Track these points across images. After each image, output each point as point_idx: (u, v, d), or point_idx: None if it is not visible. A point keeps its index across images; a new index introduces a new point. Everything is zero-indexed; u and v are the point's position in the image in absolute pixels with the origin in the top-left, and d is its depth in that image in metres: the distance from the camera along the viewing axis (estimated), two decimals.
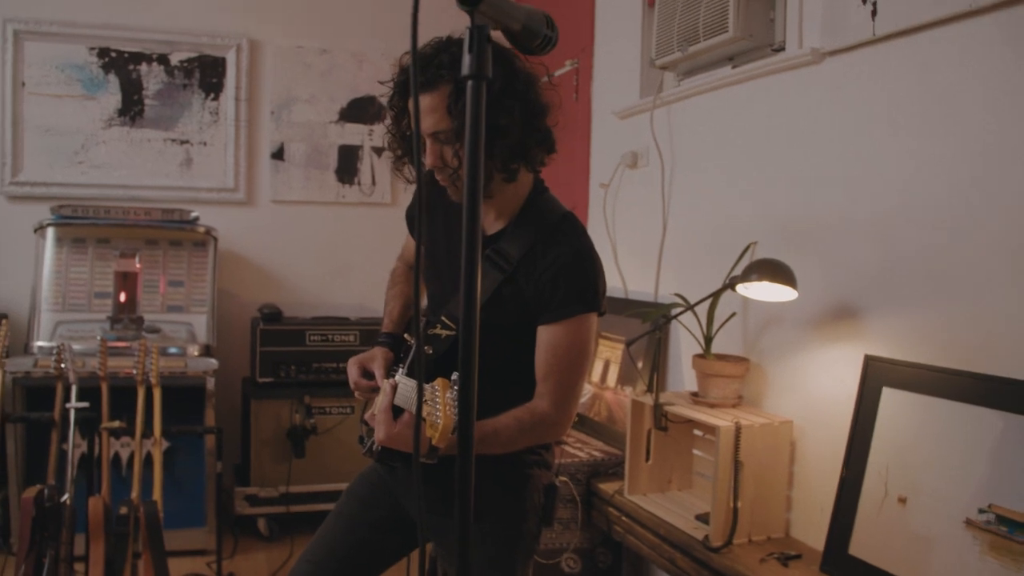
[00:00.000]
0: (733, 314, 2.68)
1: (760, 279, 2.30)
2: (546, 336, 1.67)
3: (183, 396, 3.38)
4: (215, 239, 3.75)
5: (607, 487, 2.81)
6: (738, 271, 2.61)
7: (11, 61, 3.85)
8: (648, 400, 2.66)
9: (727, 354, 2.67)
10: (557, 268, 1.65)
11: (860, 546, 2.09)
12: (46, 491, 2.89)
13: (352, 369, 1.84)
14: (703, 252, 2.93)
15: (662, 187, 3.11)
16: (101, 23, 3.96)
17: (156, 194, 4.01)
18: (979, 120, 1.94)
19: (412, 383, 1.60)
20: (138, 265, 3.67)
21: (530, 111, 1.63)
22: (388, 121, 1.76)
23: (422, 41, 1.60)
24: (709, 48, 2.74)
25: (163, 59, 4.03)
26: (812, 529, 2.37)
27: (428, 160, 1.64)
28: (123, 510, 2.93)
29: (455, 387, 1.35)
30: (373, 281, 4.35)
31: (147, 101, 4.02)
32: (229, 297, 4.00)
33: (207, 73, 4.08)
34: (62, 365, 3.06)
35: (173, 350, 3.54)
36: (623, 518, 2.68)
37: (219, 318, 3.78)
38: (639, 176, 3.30)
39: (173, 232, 3.75)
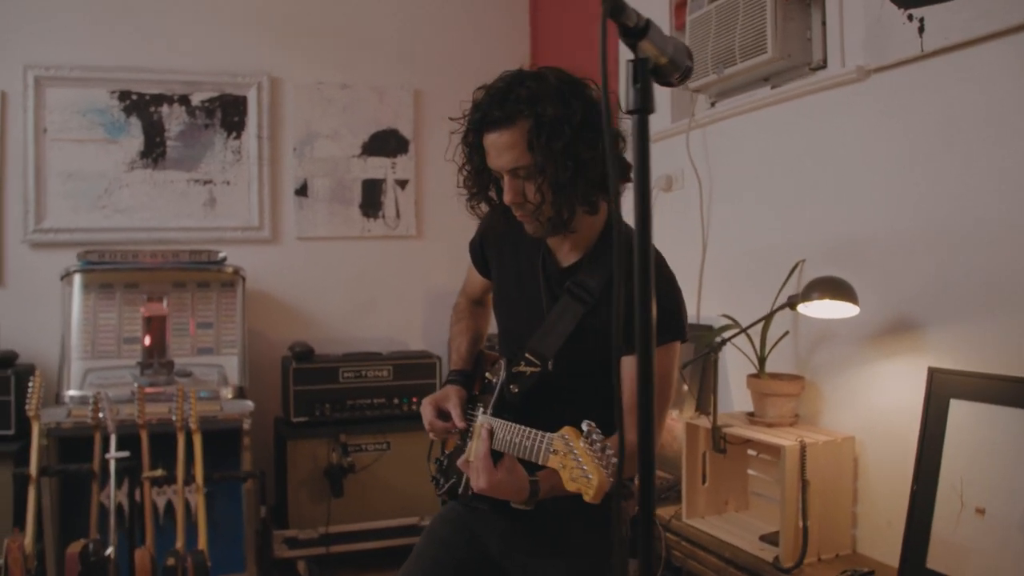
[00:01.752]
0: (786, 333, 2.67)
1: (822, 297, 2.30)
2: (631, 367, 1.63)
3: (216, 439, 3.33)
4: (243, 278, 3.73)
5: (662, 512, 2.78)
6: (787, 290, 2.61)
7: (32, 108, 3.84)
8: (702, 423, 2.64)
9: (781, 373, 2.66)
10: None
11: (937, 559, 2.07)
12: (91, 545, 2.85)
13: (427, 410, 1.82)
14: (745, 273, 2.93)
15: (701, 209, 3.11)
16: (121, 66, 3.95)
17: (181, 235, 3.98)
18: None
19: (507, 425, 1.57)
20: (166, 308, 3.64)
21: (610, 142, 1.62)
22: (461, 159, 1.72)
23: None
24: (746, 69, 2.75)
25: (184, 100, 4.02)
26: (880, 544, 2.36)
27: (507, 197, 1.61)
28: (170, 561, 2.89)
29: (591, 437, 1.33)
30: (401, 314, 4.36)
31: (169, 143, 4.00)
32: (257, 336, 3.96)
33: (228, 112, 4.07)
34: (100, 415, 3.02)
35: (204, 393, 3.50)
36: (683, 543, 2.64)
37: (248, 358, 3.74)
38: (674, 199, 3.30)
39: (201, 273, 3.71)
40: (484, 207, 1.78)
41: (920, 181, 2.26)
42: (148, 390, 3.32)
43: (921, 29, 2.20)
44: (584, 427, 1.35)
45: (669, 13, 3.33)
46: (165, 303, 3.64)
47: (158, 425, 3.13)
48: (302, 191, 4.20)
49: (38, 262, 3.87)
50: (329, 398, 3.77)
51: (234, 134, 4.09)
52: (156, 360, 3.57)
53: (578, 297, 1.67)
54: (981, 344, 2.10)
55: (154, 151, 3.99)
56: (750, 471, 2.76)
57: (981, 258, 2.10)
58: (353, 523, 3.74)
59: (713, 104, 3.13)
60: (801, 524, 2.29)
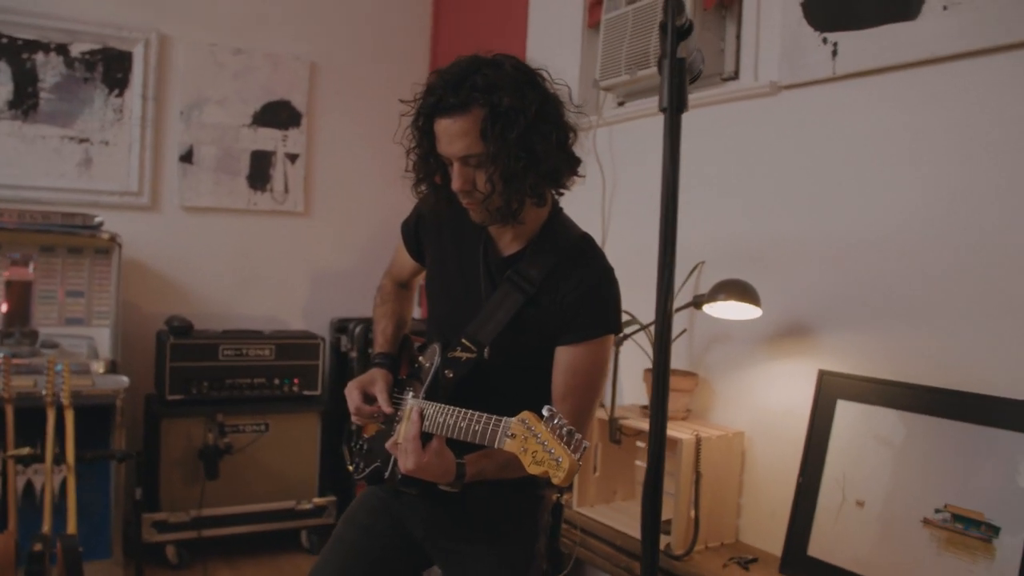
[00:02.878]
0: (683, 331, 2.79)
1: (727, 298, 2.42)
2: (566, 357, 1.66)
3: (83, 416, 3.10)
4: (119, 246, 3.48)
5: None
6: (686, 290, 2.73)
7: None
8: (599, 414, 2.72)
9: (676, 369, 2.77)
10: (582, 290, 1.65)
11: (819, 547, 2.24)
12: None
13: (353, 394, 1.78)
14: (644, 271, 3.02)
15: (602, 205, 3.19)
16: None
17: (51, 195, 3.68)
18: (930, 157, 2.15)
19: (446, 408, 1.55)
20: (32, 273, 3.38)
21: (563, 136, 1.63)
22: (409, 142, 1.69)
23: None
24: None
25: (62, 49, 3.71)
26: (763, 534, 2.51)
27: (456, 184, 1.60)
28: (37, 546, 2.67)
29: (554, 421, 1.34)
30: (283, 292, 4.23)
31: (43, 94, 3.69)
32: (130, 308, 3.73)
33: (111, 67, 3.79)
34: None
35: (74, 367, 3.26)
36: (574, 531, 2.72)
37: (121, 331, 3.52)
38: (574, 193, 3.35)
39: (73, 238, 3.45)
40: (428, 192, 1.76)
41: (819, 194, 2.42)
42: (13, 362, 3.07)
43: (835, 53, 2.35)
44: (545, 412, 1.36)
45: (583, 10, 3.40)
46: (31, 268, 3.38)
47: (22, 399, 2.90)
48: (187, 158, 3.98)
49: None
50: (207, 376, 3.62)
51: (116, 91, 3.81)
52: (18, 329, 3.32)
53: (519, 287, 1.67)
54: (867, 350, 2.28)
55: (25, 102, 3.66)
56: (638, 462, 2.87)
57: (869, 270, 2.29)
58: (228, 506, 3.61)
59: (621, 104, 3.22)
60: (693, 514, 2.40)
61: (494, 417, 1.45)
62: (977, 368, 2.03)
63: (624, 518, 2.69)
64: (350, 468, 1.91)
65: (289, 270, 4.25)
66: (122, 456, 3.11)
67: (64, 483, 2.85)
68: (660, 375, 1.02)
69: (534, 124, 1.55)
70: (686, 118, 2.84)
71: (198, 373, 3.61)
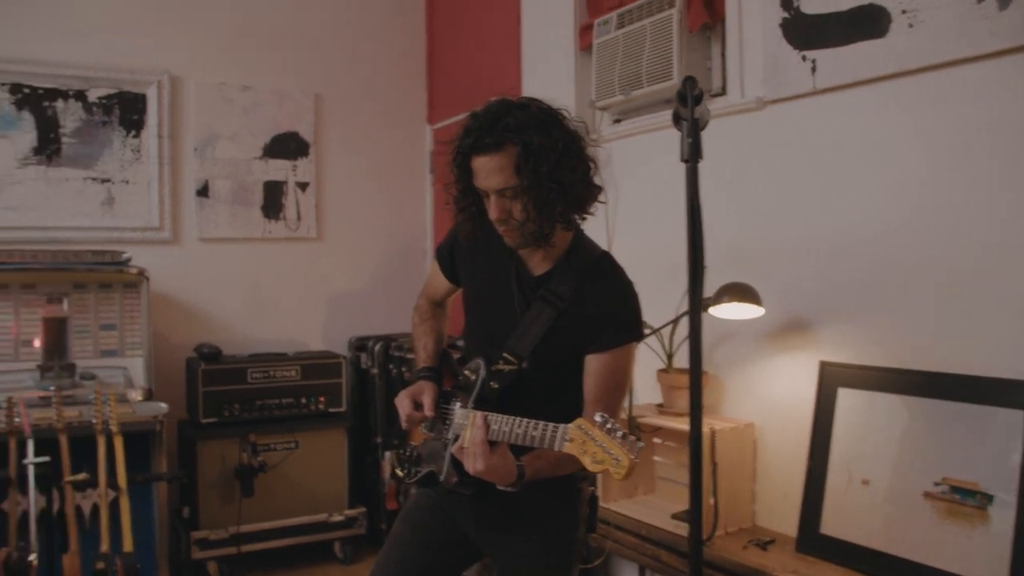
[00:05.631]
0: None
1: (731, 300, 2.62)
2: (595, 364, 1.85)
3: (124, 442, 3.28)
4: (147, 279, 3.66)
5: None
6: None
7: None
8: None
9: (687, 368, 2.95)
10: (606, 303, 1.86)
11: (831, 525, 2.43)
12: (13, 553, 2.78)
13: (404, 402, 1.97)
14: (649, 278, 3.21)
15: (606, 218, 3.38)
16: (13, 58, 3.79)
17: (77, 235, 3.86)
18: (907, 161, 2.37)
19: (502, 417, 1.72)
20: (67, 310, 3.54)
21: (586, 167, 1.83)
22: (450, 178, 1.88)
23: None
24: (652, 93, 3.05)
25: (80, 95, 3.90)
26: (777, 516, 2.70)
27: (493, 214, 1.80)
28: (100, 565, 2.85)
29: (607, 425, 1.54)
30: (301, 315, 4.41)
31: (64, 139, 3.87)
32: (159, 338, 3.90)
33: (127, 110, 3.99)
34: (15, 419, 2.94)
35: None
36: (601, 525, 2.90)
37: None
38: None
39: (103, 274, 3.63)
40: (471, 224, 1.95)
41: (808, 199, 2.64)
42: (48, 394, 3.23)
43: (814, 69, 2.56)
44: (598, 418, 1.56)
45: (574, 35, 3.59)
46: (65, 304, 3.54)
47: (73, 429, 3.06)
48: (203, 192, 4.17)
49: None
50: (238, 398, 3.80)
51: (133, 132, 4.01)
52: (56, 363, 3.48)
53: (551, 303, 1.87)
54: (864, 340, 2.49)
55: (48, 147, 3.85)
56: (656, 458, 3.06)
57: (859, 266, 2.50)
58: (264, 522, 3.78)
59: (618, 121, 3.42)
60: (712, 501, 2.60)
61: (550, 424, 1.64)
62: (963, 351, 2.23)
63: (646, 510, 2.87)
64: (400, 473, 2.09)
65: (306, 293, 4.44)
66: (171, 477, 3.28)
67: (112, 505, 3.03)
68: (695, 377, 1.23)
69: (561, 159, 1.76)
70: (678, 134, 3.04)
71: (229, 396, 3.79)
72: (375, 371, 4.05)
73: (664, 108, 3.15)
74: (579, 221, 1.93)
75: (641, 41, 3.07)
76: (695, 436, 1.37)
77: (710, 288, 2.70)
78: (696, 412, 1.37)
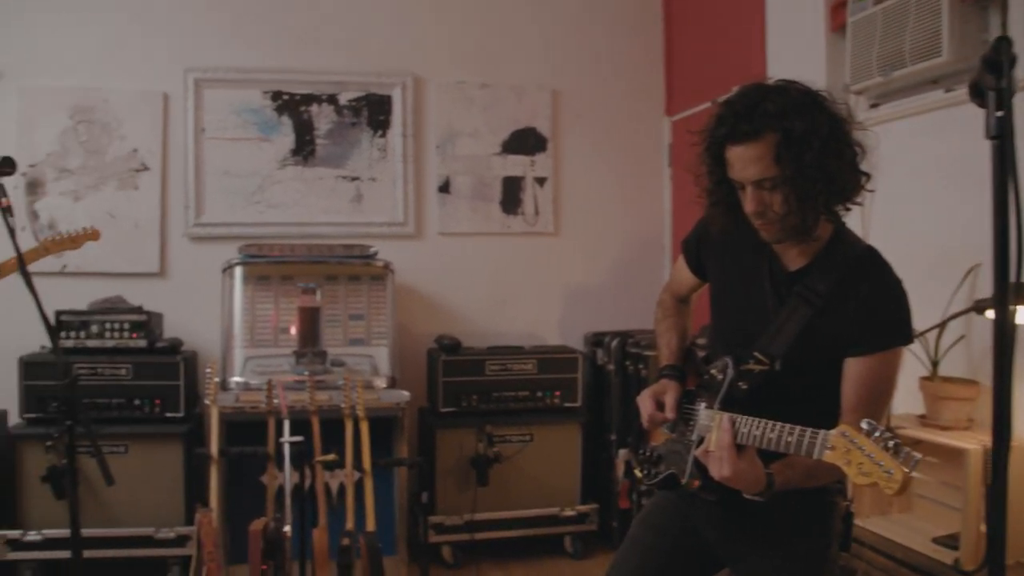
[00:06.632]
0: (961, 337, 2.64)
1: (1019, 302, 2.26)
2: (857, 368, 1.67)
3: (371, 427, 3.43)
4: (392, 272, 3.84)
5: None
6: (961, 294, 2.58)
7: (192, 108, 4.03)
8: None
9: (954, 376, 2.62)
10: (871, 302, 1.67)
11: None
12: (271, 524, 2.97)
13: (647, 401, 1.88)
14: (912, 276, 2.90)
15: (861, 212, 3.08)
16: (273, 67, 4.12)
17: (329, 230, 4.13)
18: None
19: (752, 420, 1.60)
20: (319, 300, 3.76)
21: (853, 153, 1.65)
22: (702, 170, 1.77)
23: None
24: (917, 72, 2.73)
25: (332, 99, 4.17)
26: None
27: (750, 206, 1.66)
28: (345, 541, 2.99)
29: (876, 433, 1.36)
30: (540, 309, 4.45)
31: (318, 140, 4.15)
32: (401, 329, 4.07)
33: (374, 111, 4.20)
34: (274, 401, 3.15)
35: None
36: (853, 543, 2.63)
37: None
38: None
39: (352, 267, 3.84)
40: (723, 216, 1.81)
41: None
42: (302, 379, 3.45)
43: None
44: (865, 425, 1.39)
45: (824, 14, 3.33)
46: (318, 295, 3.76)
47: (323, 412, 3.24)
48: (444, 188, 4.32)
49: (197, 254, 4.07)
50: (476, 390, 3.88)
51: (379, 132, 4.22)
52: (310, 350, 3.70)
53: (807, 300, 1.70)
54: None
55: (304, 149, 4.15)
56: (915, 474, 2.73)
57: None
58: (496, 511, 3.82)
59: (874, 106, 3.12)
60: (983, 528, 2.26)
61: (808, 429, 1.49)
62: None
63: (903, 531, 2.58)
64: (638, 474, 1.99)
65: (543, 288, 4.47)
66: (411, 463, 3.40)
67: (357, 485, 3.17)
68: (1002, 392, 1.02)
69: (826, 145, 1.59)
70: (953, 115, 2.72)
71: (467, 387, 3.88)
72: (611, 367, 3.99)
73: (929, 89, 2.82)
74: (843, 212, 1.75)
75: (903, 15, 2.76)
76: (999, 460, 1.15)
77: (983, 289, 2.37)
78: (1003, 432, 1.15)
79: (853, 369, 1.68)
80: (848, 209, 1.73)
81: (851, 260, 1.72)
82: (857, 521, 2.65)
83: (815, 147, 1.58)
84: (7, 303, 3.08)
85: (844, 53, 3.08)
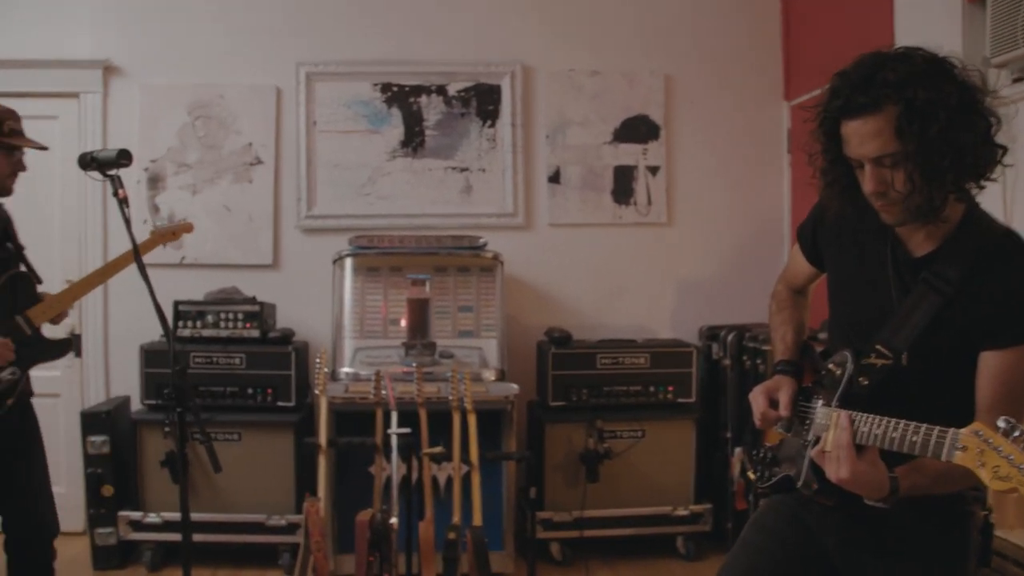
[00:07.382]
0: None
1: None
2: (994, 363, 1.52)
3: (479, 420, 3.39)
4: (501, 263, 3.79)
5: None
6: None
7: (304, 102, 4.09)
8: None
9: None
10: (1010, 290, 1.51)
11: None
12: (378, 515, 2.96)
13: (759, 399, 1.77)
14: None
15: (1003, 195, 2.84)
16: (382, 59, 4.15)
17: (438, 221, 4.12)
18: None
19: (872, 418, 1.47)
20: (429, 292, 3.75)
21: (987, 124, 1.49)
22: (816, 148, 1.64)
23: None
24: None
25: (441, 90, 4.15)
26: None
27: (869, 186, 1.53)
28: (451, 535, 2.95)
29: (1015, 433, 1.23)
30: (652, 302, 4.34)
31: (427, 132, 4.15)
32: (511, 321, 4.02)
33: (483, 101, 4.17)
34: (382, 392, 3.14)
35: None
36: (994, 557, 2.41)
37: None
38: None
39: (461, 258, 3.81)
40: (844, 197, 1.67)
41: None
42: (410, 370, 3.43)
43: None
44: (1002, 423, 1.25)
45: None
46: (427, 287, 3.75)
47: (431, 404, 3.21)
48: (555, 178, 4.24)
49: (308, 246, 4.13)
50: (586, 383, 3.78)
51: (488, 122, 4.18)
52: (419, 341, 3.68)
53: (936, 288, 1.56)
54: None
55: (413, 140, 4.15)
56: None
57: None
58: (606, 508, 3.72)
59: (1019, 79, 2.86)
60: None
61: (936, 428, 1.36)
62: None
63: None
64: (752, 476, 1.89)
65: (655, 280, 4.34)
66: (519, 457, 3.35)
67: (464, 479, 3.12)
68: None
69: (955, 116, 1.44)
70: None
71: (577, 381, 3.79)
72: (727, 362, 3.82)
73: None
74: (975, 190, 1.58)
75: None
76: None
77: None
78: None
79: (989, 364, 1.53)
80: (982, 187, 1.57)
81: (986, 244, 1.56)
82: (998, 533, 2.43)
83: (941, 119, 1.43)
84: (132, 293, 3.17)
85: (984, 23, 2.86)
